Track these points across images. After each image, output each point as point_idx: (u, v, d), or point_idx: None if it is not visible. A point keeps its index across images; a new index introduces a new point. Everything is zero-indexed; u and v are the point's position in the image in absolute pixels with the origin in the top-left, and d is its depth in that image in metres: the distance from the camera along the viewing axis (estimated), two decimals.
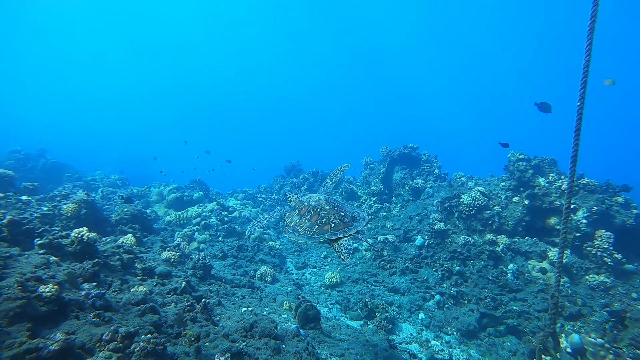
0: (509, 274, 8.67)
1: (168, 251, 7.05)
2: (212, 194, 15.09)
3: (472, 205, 10.16)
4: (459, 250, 9.68)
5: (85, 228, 4.96)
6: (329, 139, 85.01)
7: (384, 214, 13.77)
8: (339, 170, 5.47)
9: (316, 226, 3.99)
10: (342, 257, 3.73)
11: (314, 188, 16.41)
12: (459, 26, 68.93)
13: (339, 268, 11.06)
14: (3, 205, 7.16)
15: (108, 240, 6.61)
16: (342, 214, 4.08)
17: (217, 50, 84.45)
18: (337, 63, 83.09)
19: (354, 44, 76.75)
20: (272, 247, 11.26)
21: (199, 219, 11.98)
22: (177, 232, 11.31)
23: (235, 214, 13.06)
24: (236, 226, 11.99)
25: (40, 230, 5.23)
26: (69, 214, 7.27)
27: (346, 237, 3.85)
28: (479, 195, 10.20)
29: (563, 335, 7.11)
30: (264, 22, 74.75)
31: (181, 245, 8.02)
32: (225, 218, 12.31)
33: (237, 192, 18.58)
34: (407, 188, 14.38)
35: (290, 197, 5.20)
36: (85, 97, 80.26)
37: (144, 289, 4.77)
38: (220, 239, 11.35)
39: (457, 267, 9.36)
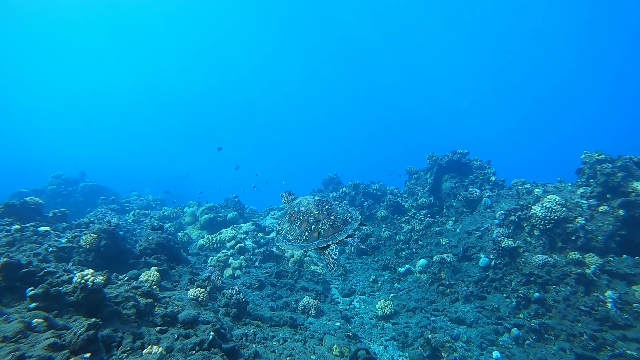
0: (608, 304, 7.01)
1: (196, 287, 6.10)
2: (248, 213, 14.27)
3: (547, 217, 8.57)
4: (536, 272, 8.11)
5: (91, 271, 4.06)
6: (367, 150, 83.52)
7: (437, 229, 12.30)
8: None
9: (306, 233, 3.74)
10: (329, 267, 3.54)
11: (355, 202, 15.20)
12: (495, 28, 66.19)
13: (392, 294, 9.74)
14: (18, 239, 6.54)
15: (125, 277, 5.75)
16: (332, 217, 3.81)
17: (248, 68, 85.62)
18: (376, 70, 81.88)
19: (395, 52, 75.69)
20: (315, 272, 10.13)
21: (233, 242, 11.11)
22: (211, 258, 10.47)
23: (273, 234, 12.09)
24: (274, 249, 10.99)
25: (42, 273, 4.39)
26: (88, 246, 6.54)
27: (336, 243, 3.60)
28: (555, 206, 8.59)
29: None
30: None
31: (212, 277, 7.07)
32: (262, 240, 11.36)
33: (273, 209, 17.68)
34: (460, 198, 12.86)
35: (284, 197, 4.85)
36: (123, 119, 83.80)
37: (160, 349, 3.77)
38: (256, 264, 10.38)
39: (536, 294, 7.79)
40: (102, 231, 6.80)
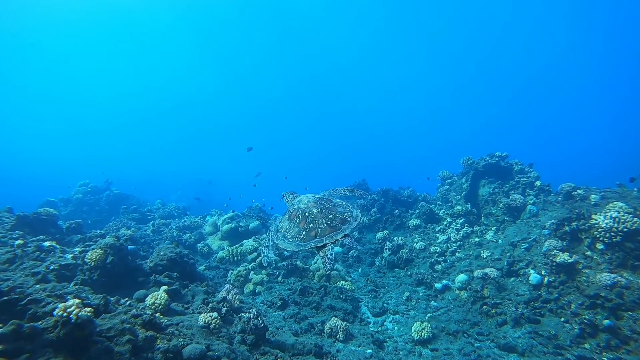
0: None
1: (209, 311, 5.38)
2: (270, 224, 13.55)
3: (614, 229, 7.36)
4: (603, 294, 6.92)
5: (77, 301, 3.37)
6: (394, 154, 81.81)
7: (476, 239, 11.17)
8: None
9: (303, 232, 3.69)
10: (325, 267, 3.55)
11: (385, 210, 14.24)
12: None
13: (428, 314, 8.73)
14: (19, 255, 6.04)
15: (127, 302, 5.09)
16: (331, 216, 3.74)
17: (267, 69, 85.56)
18: (408, 72, 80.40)
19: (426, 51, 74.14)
20: (343, 289, 9.26)
21: (254, 254, 10.41)
22: (231, 272, 9.80)
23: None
24: (298, 262, 10.21)
25: (25, 301, 3.76)
26: (93, 263, 5.96)
27: (333, 242, 3.56)
28: (623, 215, 7.37)
29: None
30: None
31: (228, 298, 6.35)
32: (286, 252, 10.60)
33: None
34: (500, 206, 11.68)
35: (286, 197, 4.60)
36: (147, 125, 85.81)
37: None
38: (279, 279, 9.62)
39: (606, 321, 6.61)
40: (109, 246, 6.22)
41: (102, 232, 9.20)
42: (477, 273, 9.13)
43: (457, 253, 10.99)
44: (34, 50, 69.77)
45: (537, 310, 7.63)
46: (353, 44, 73.72)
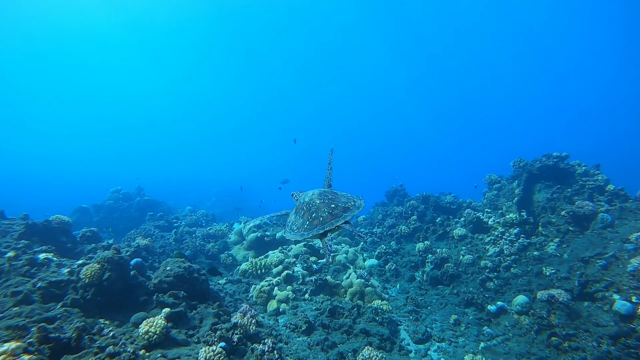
0: None
1: (211, 346, 4.38)
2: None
3: None
4: None
5: (17, 344, 2.46)
6: (432, 158, 79.05)
7: (536, 253, 9.59)
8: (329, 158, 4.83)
9: (307, 222, 3.74)
10: (326, 256, 3.55)
11: (425, 218, 12.86)
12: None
13: (482, 344, 7.34)
14: (5, 270, 5.34)
15: (111, 333, 4.18)
16: (333, 206, 3.78)
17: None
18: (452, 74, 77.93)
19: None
20: (379, 309, 8.03)
21: (280, 267, 9.41)
22: (253, 287, 8.85)
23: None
24: (328, 277, 9.09)
25: None
26: (87, 280, 5.15)
27: (334, 229, 3.59)
28: None
29: None
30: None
31: (242, 322, 5.34)
32: (314, 266, 9.53)
33: None
34: (562, 214, 10.02)
35: (295, 195, 4.58)
36: (188, 134, 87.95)
37: None
38: (306, 296, 8.55)
39: None
40: (107, 260, 5.40)
41: (110, 242, 8.53)
42: (541, 294, 7.62)
43: (512, 268, 9.46)
44: (69, 57, 73.23)
45: (630, 350, 6.05)
46: (381, 45, 72.12)
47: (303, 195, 4.26)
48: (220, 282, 9.35)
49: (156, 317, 4.66)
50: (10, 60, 69.59)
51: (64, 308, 4.62)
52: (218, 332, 4.98)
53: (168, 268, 5.94)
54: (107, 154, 72.13)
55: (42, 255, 6.01)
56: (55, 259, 6.03)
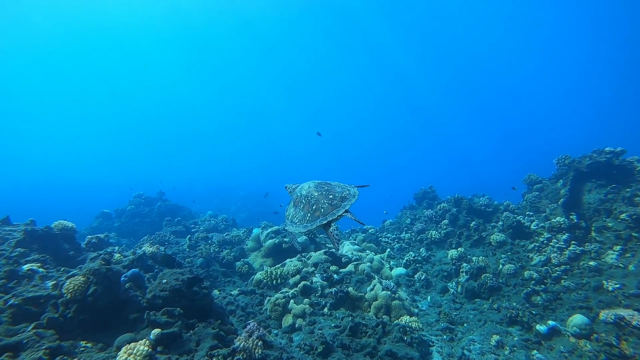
0: None
1: None
2: (320, 239, 11.68)
3: None
4: None
5: None
6: (462, 160, 76.55)
7: (592, 263, 8.28)
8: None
9: (309, 214, 3.85)
10: (334, 246, 3.70)
11: (458, 222, 11.71)
12: None
13: None
14: None
15: None
16: (331, 197, 3.90)
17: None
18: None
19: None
20: (407, 327, 7.03)
21: (297, 277, 8.57)
22: (268, 299, 8.05)
23: (350, 267, 9.28)
24: (350, 288, 8.16)
25: None
26: (69, 295, 4.49)
27: (336, 218, 3.69)
28: None
29: None
30: None
31: (245, 346, 4.52)
32: (335, 276, 8.62)
33: (355, 230, 14.85)
34: (622, 217, 8.68)
35: (289, 188, 4.61)
36: (216, 139, 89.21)
37: None
38: (325, 310, 7.65)
39: None
40: (92, 272, 4.73)
41: (112, 249, 7.95)
42: (605, 315, 6.40)
43: (563, 281, 8.20)
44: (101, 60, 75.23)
45: None
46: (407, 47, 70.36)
47: (298, 187, 4.35)
48: (232, 292, 8.62)
49: (139, 342, 3.93)
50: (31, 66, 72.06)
51: (35, 330, 3.97)
52: (214, 357, 4.19)
53: (164, 281, 5.22)
54: (139, 158, 74.14)
55: (26, 267, 5.43)
56: (41, 270, 5.44)
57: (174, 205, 19.52)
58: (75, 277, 4.72)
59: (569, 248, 8.74)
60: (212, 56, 75.12)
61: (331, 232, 3.78)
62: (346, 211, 3.74)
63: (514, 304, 8.01)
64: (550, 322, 7.03)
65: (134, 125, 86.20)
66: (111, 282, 4.88)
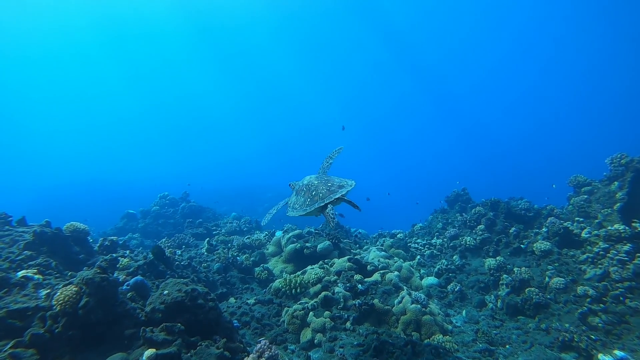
0: None
1: None
2: (345, 244, 10.89)
3: None
4: None
5: None
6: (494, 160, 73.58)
7: None
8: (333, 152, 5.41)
9: (308, 199, 4.19)
10: (330, 223, 4.04)
11: (495, 227, 10.65)
12: None
13: None
14: None
15: None
16: (330, 184, 4.25)
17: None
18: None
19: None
20: (440, 347, 6.17)
21: (318, 286, 7.88)
22: (286, 309, 7.39)
23: (376, 276, 8.47)
24: (375, 300, 7.37)
25: None
26: (58, 308, 4.01)
27: (333, 201, 4.00)
28: None
29: None
30: None
31: None
32: (360, 286, 7.84)
33: (384, 235, 13.81)
34: None
35: (292, 185, 5.00)
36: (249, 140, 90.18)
37: None
38: (348, 324, 6.90)
39: None
40: (85, 282, 4.24)
41: (122, 253, 7.52)
42: None
43: (628, 300, 7.05)
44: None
45: None
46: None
47: (301, 180, 4.71)
48: (249, 301, 8.03)
49: None
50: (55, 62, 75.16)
51: (11, 351, 3.50)
52: None
53: (165, 292, 4.66)
54: (170, 159, 76.01)
55: (20, 273, 5.02)
56: (36, 277, 5.01)
57: (198, 206, 19.30)
58: (68, 286, 4.25)
59: (634, 261, 7.54)
60: (241, 57, 76.31)
61: (327, 212, 4.09)
62: (342, 196, 4.10)
63: (567, 325, 6.96)
64: (618, 353, 5.92)
65: (165, 128, 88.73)
66: (106, 294, 4.36)
